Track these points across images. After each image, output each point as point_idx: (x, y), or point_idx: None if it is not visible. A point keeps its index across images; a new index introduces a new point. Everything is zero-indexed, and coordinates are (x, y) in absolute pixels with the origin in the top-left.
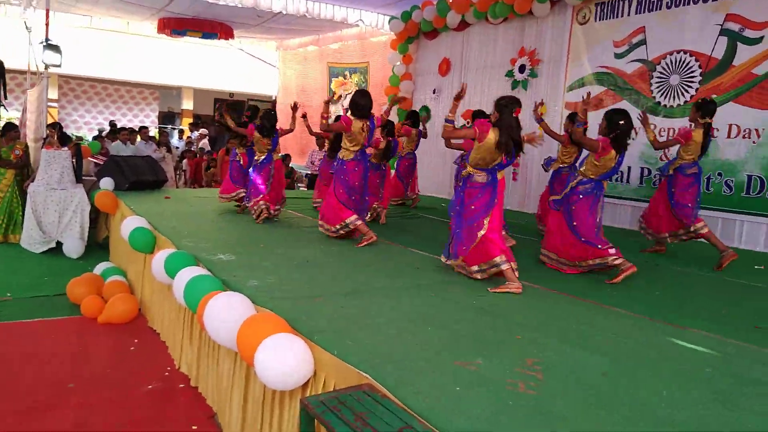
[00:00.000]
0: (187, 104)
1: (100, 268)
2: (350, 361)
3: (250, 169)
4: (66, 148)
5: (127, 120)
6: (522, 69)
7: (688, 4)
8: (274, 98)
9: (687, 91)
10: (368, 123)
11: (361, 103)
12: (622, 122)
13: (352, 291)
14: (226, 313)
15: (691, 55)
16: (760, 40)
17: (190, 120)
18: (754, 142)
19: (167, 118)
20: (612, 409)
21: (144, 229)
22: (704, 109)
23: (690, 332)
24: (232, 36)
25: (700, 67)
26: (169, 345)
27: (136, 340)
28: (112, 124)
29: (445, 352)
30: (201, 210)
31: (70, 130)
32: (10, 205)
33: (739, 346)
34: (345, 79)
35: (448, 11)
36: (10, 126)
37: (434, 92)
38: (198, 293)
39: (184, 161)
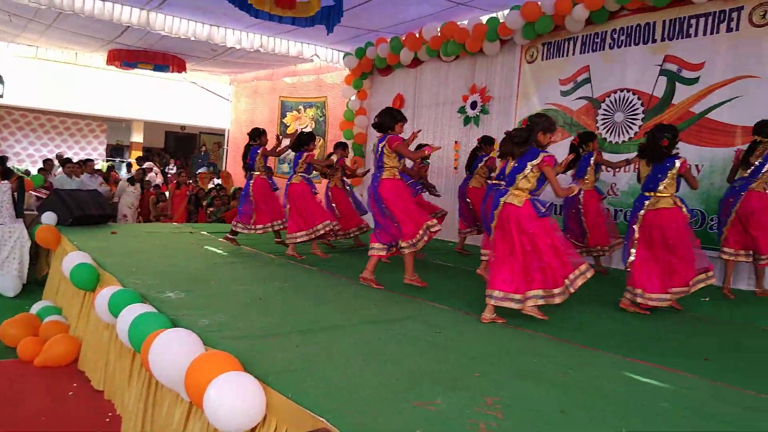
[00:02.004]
0: (137, 137)
1: (36, 307)
2: (305, 404)
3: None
4: (6, 182)
5: (73, 153)
6: (474, 105)
7: (629, 45)
8: (226, 131)
9: (631, 128)
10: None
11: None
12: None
13: (308, 329)
14: (174, 351)
15: (633, 94)
16: (696, 80)
17: (140, 153)
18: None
19: (115, 150)
20: None
21: (87, 265)
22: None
23: (642, 365)
24: (184, 69)
25: (642, 104)
26: (106, 389)
27: (75, 384)
28: (59, 156)
29: (404, 392)
30: (150, 245)
31: (12, 163)
32: None
33: (691, 380)
34: (299, 113)
35: (401, 48)
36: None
37: None
38: (144, 331)
39: None
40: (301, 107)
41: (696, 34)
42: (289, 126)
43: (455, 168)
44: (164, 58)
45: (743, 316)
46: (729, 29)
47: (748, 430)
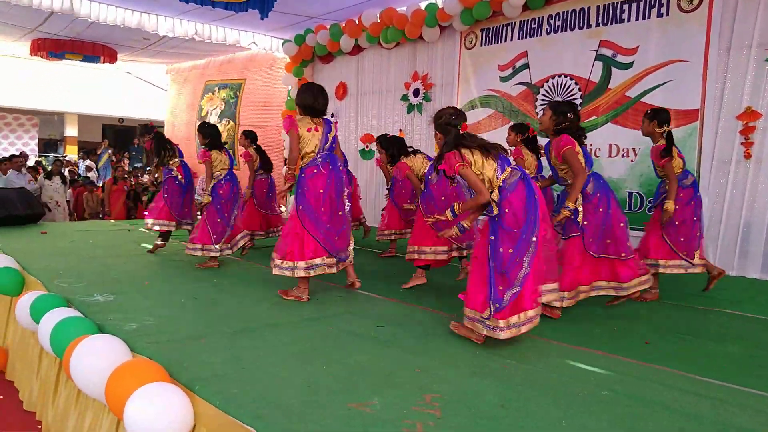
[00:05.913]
0: (71, 131)
1: None
2: (234, 413)
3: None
4: None
5: (2, 149)
6: (416, 93)
7: (566, 30)
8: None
9: None
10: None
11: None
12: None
13: (242, 329)
14: (96, 358)
15: (571, 79)
16: (630, 65)
17: (75, 147)
18: (632, 161)
19: (48, 146)
20: None
21: (9, 270)
22: (660, 117)
23: (585, 352)
24: (115, 59)
25: (580, 89)
26: (34, 401)
27: (1, 396)
28: None
29: (339, 394)
30: (82, 245)
31: None
32: None
33: (631, 365)
34: (213, 95)
35: (341, 35)
36: None
37: (332, 116)
38: (66, 337)
39: (69, 191)
40: (216, 88)
41: (629, 19)
42: (203, 108)
43: None
44: (94, 49)
45: (685, 298)
46: (659, 14)
47: (689, 414)
